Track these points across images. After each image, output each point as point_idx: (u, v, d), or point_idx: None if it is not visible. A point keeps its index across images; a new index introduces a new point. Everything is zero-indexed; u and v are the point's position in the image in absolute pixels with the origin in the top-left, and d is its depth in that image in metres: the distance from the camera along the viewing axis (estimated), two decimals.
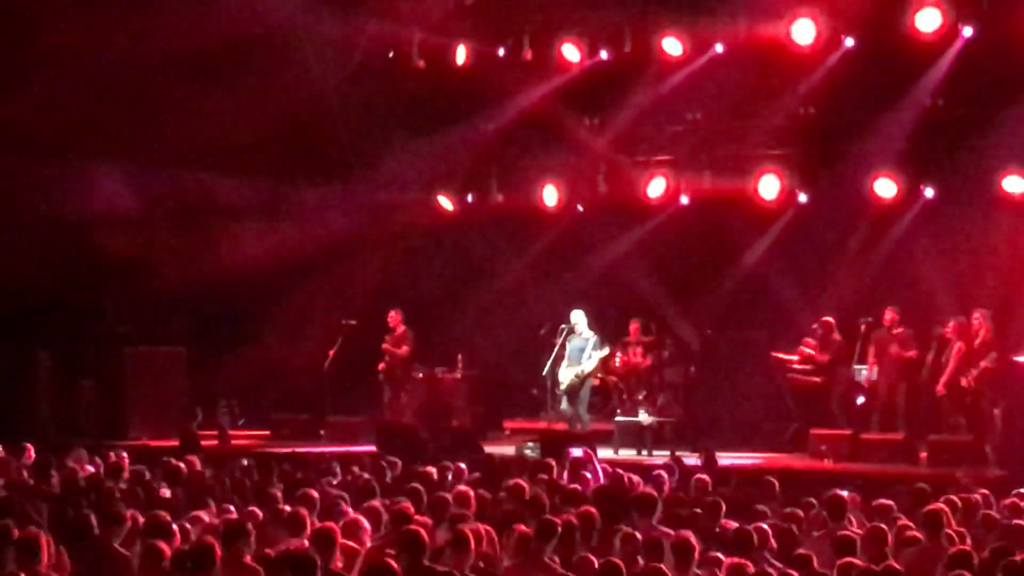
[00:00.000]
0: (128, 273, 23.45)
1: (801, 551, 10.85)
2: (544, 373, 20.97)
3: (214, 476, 15.47)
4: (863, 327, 20.39)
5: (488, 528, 11.40)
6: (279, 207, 23.93)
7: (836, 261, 21.81)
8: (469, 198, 24.05)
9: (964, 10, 19.68)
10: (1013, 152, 20.10)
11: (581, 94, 22.80)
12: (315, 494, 12.69)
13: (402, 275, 24.18)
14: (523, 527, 10.97)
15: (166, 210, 23.79)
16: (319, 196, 24.10)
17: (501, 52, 22.58)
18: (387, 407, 22.47)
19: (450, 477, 15.41)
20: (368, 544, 11.17)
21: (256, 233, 23.57)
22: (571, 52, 22.05)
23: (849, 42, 20.62)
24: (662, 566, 9.93)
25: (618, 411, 21.60)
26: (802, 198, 21.81)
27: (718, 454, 17.52)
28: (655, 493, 13.07)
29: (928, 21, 19.58)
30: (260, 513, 12.34)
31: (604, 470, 16.38)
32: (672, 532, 11.28)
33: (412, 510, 12.03)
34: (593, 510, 11.83)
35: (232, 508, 12.76)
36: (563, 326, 20.94)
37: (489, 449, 19.54)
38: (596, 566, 10.10)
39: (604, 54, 22.14)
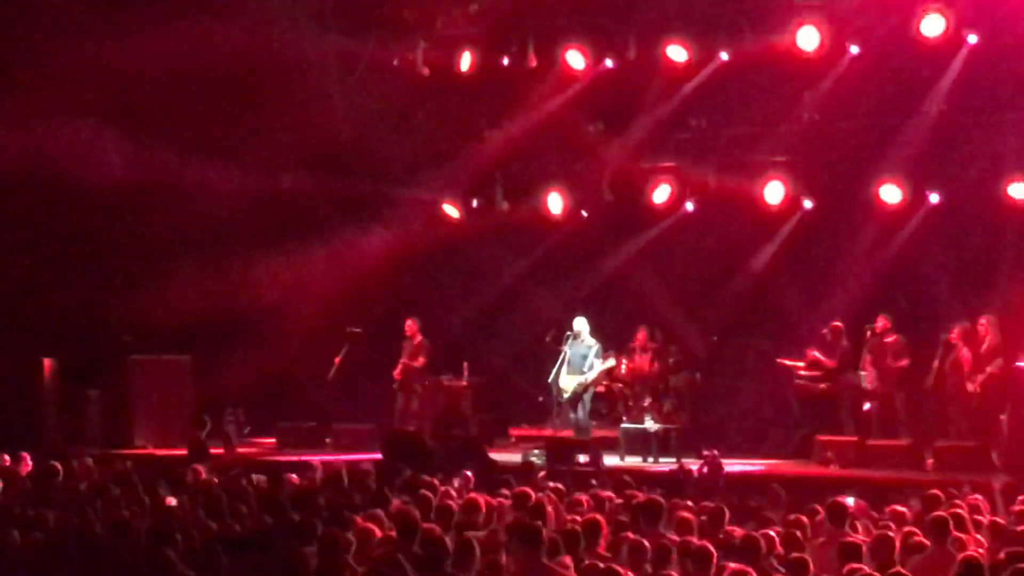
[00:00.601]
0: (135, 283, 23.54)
1: (796, 555, 10.81)
2: (550, 380, 20.95)
3: (220, 485, 15.45)
4: (868, 333, 20.39)
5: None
6: (284, 217, 23.97)
7: (841, 267, 21.78)
8: (475, 203, 24.02)
9: (968, 17, 19.67)
10: (1018, 158, 20.09)
11: (586, 101, 22.80)
12: None
13: (408, 283, 24.16)
14: (529, 534, 10.96)
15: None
16: (324, 204, 24.13)
17: (506, 61, 22.60)
18: (399, 414, 22.45)
19: (456, 484, 15.39)
20: None
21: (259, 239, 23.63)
22: (576, 59, 22.07)
23: (854, 49, 20.63)
24: (673, 573, 9.92)
25: (624, 418, 21.58)
26: (807, 204, 21.80)
27: (724, 461, 17.52)
28: (661, 500, 13.05)
29: (933, 27, 19.58)
30: None
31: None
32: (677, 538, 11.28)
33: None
34: (600, 517, 11.82)
35: None
36: (568, 333, 20.93)
37: (495, 456, 19.53)
38: (604, 573, 10.08)
39: (609, 62, 22.16)
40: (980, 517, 12.80)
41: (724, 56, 21.39)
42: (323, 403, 22.74)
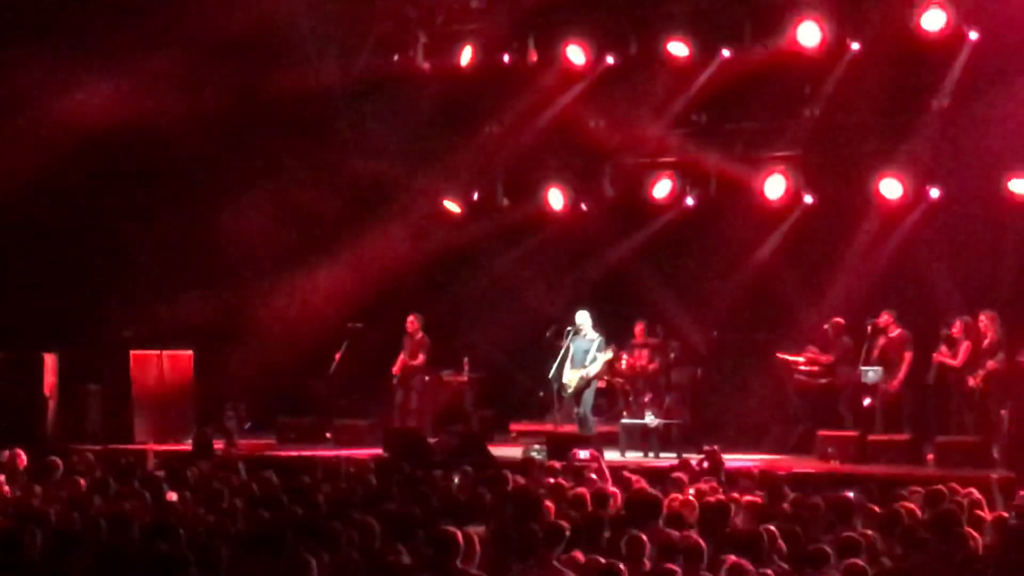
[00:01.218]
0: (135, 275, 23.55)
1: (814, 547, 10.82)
2: (550, 376, 20.94)
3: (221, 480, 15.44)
4: (869, 328, 20.38)
5: None
6: (285, 212, 23.96)
7: (842, 262, 21.77)
8: (475, 196, 24.00)
9: (969, 11, 19.66)
10: (1019, 154, 20.08)
11: (587, 96, 22.78)
12: None
13: (409, 279, 24.15)
14: (531, 530, 10.96)
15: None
16: (324, 200, 24.11)
17: (507, 58, 22.59)
18: (398, 410, 22.45)
19: (457, 480, 15.39)
20: None
21: (264, 238, 23.64)
22: (577, 55, 22.05)
23: (855, 46, 20.62)
24: (675, 567, 9.91)
25: (624, 413, 21.58)
26: (808, 199, 21.79)
27: (724, 456, 17.51)
28: (660, 496, 13.04)
29: (933, 21, 19.57)
30: None
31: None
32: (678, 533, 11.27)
33: None
34: (601, 513, 11.82)
35: None
36: (569, 328, 20.92)
37: (495, 452, 19.53)
38: (603, 568, 10.08)
39: (610, 59, 22.15)
40: (981, 512, 12.81)
41: (726, 53, 21.38)
42: (324, 399, 22.74)
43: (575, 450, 18.40)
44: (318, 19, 23.39)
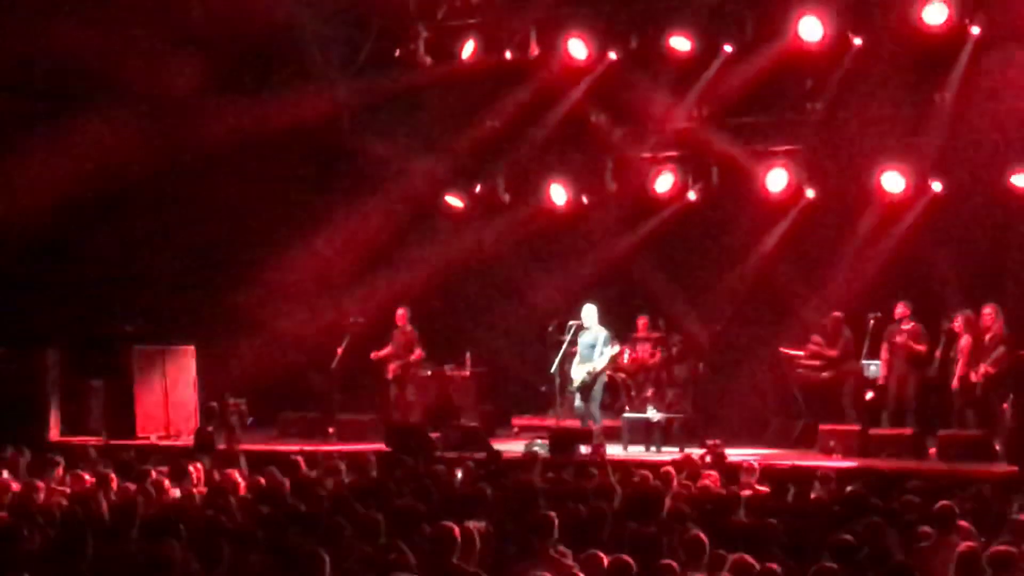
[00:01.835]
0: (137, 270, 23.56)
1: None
2: (552, 370, 20.93)
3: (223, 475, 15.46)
4: (872, 322, 20.39)
5: None
6: (287, 207, 23.97)
7: (844, 256, 21.77)
8: (477, 189, 23.98)
9: (971, 5, 19.65)
10: (1021, 148, 20.09)
11: (589, 90, 22.78)
12: None
13: (410, 273, 24.13)
14: (531, 523, 10.97)
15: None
16: (326, 195, 24.12)
17: (508, 55, 22.59)
18: (394, 405, 22.47)
19: (459, 475, 15.40)
20: None
21: (263, 231, 23.65)
22: (578, 49, 22.03)
23: (857, 40, 20.61)
24: (672, 563, 9.92)
25: (626, 408, 21.58)
26: (810, 193, 21.78)
27: (727, 450, 17.52)
28: (662, 489, 13.06)
29: (935, 15, 19.56)
30: None
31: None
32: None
33: None
34: (603, 506, 11.82)
35: None
36: (572, 322, 20.89)
37: (498, 446, 19.53)
38: (606, 563, 10.08)
39: (613, 55, 22.14)
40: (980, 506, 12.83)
41: (728, 48, 21.38)
42: (326, 393, 22.74)
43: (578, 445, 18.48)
44: (320, 14, 23.39)
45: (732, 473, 15.61)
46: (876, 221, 21.49)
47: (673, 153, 22.67)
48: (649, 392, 21.41)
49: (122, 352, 22.67)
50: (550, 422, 21.49)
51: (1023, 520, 11.93)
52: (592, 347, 20.64)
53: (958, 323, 19.33)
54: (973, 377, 19.11)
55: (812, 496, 13.77)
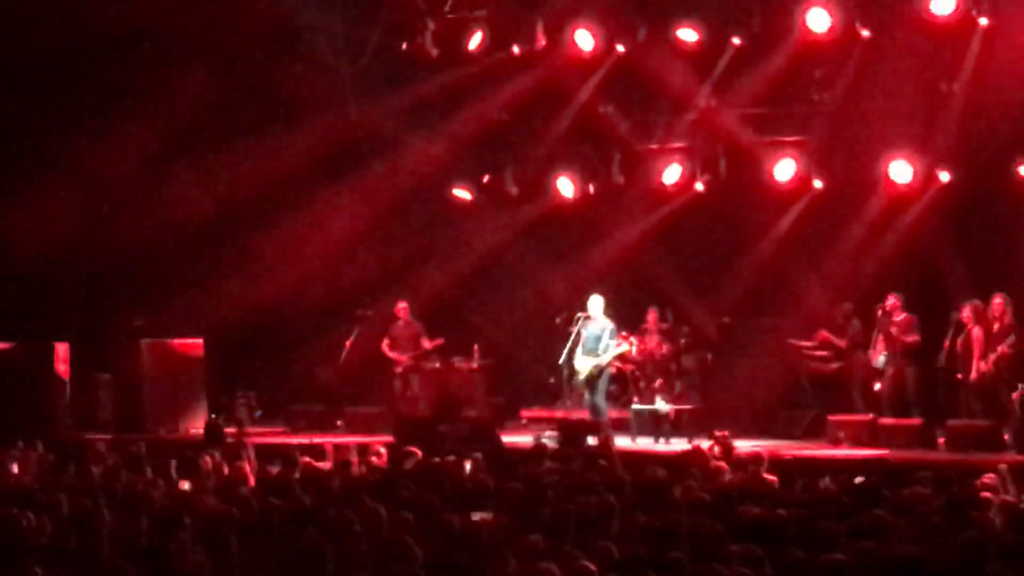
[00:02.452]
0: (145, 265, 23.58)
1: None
2: (561, 362, 20.94)
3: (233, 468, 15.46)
4: (879, 312, 20.38)
5: None
6: (296, 200, 23.98)
7: (852, 247, 21.74)
8: (485, 179, 23.97)
9: None
10: None
11: (596, 82, 22.76)
12: None
13: (418, 265, 24.15)
14: (540, 515, 10.96)
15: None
16: (335, 187, 24.12)
17: (516, 49, 22.58)
18: (399, 398, 22.48)
19: (468, 467, 15.39)
20: None
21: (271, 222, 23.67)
22: (585, 40, 22.00)
23: (865, 32, 20.58)
24: (681, 555, 9.90)
25: (635, 399, 21.58)
26: (818, 184, 21.75)
27: (735, 441, 17.50)
28: (672, 481, 13.04)
29: (943, 6, 19.55)
30: None
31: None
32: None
33: None
34: (611, 499, 11.81)
35: None
36: (579, 314, 20.89)
37: (506, 439, 19.53)
38: (615, 555, 10.07)
39: (620, 47, 22.12)
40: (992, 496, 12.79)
41: (736, 40, 21.35)
42: (334, 386, 22.76)
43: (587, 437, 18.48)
44: (327, 8, 23.40)
45: (741, 464, 15.59)
46: (884, 211, 21.47)
47: (681, 144, 22.67)
48: (658, 383, 21.40)
49: (131, 346, 22.71)
50: (559, 414, 21.49)
51: None
52: (598, 339, 20.60)
53: (966, 313, 19.31)
54: (983, 367, 19.09)
55: (821, 487, 13.75)
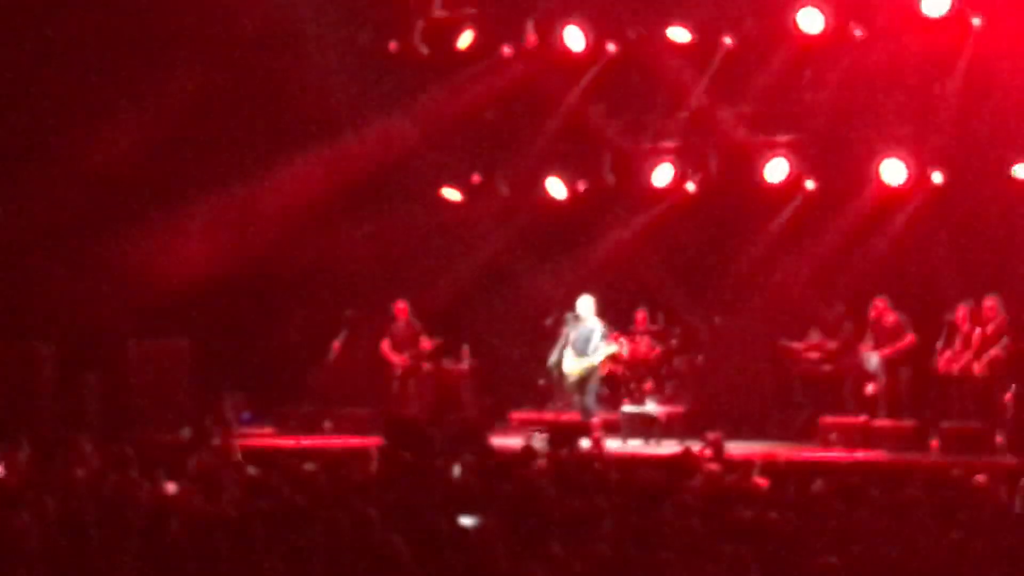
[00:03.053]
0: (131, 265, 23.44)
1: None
2: (550, 364, 20.87)
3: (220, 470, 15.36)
4: (872, 314, 20.33)
5: None
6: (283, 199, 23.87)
7: (844, 247, 21.71)
8: (475, 178, 23.89)
9: None
10: (1022, 140, 20.04)
11: (587, 81, 22.70)
12: None
13: (407, 265, 24.07)
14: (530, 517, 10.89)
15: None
16: (324, 188, 24.02)
17: (507, 50, 22.52)
18: (396, 399, 22.40)
19: (457, 469, 15.29)
20: None
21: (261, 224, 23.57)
22: (575, 40, 21.91)
23: (857, 32, 20.53)
24: (672, 557, 9.83)
25: (625, 400, 21.51)
26: (809, 184, 21.70)
27: (727, 443, 17.43)
28: (663, 483, 12.96)
29: (936, 6, 19.50)
30: None
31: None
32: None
33: None
34: (601, 501, 11.73)
35: None
36: (569, 315, 20.83)
37: (496, 440, 19.45)
38: (605, 557, 9.99)
39: (611, 46, 22.05)
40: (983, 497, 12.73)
41: (728, 40, 21.30)
42: (322, 387, 22.68)
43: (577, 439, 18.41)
44: (317, 6, 23.30)
45: (732, 466, 15.52)
46: (876, 212, 21.44)
47: (672, 145, 22.60)
48: (648, 385, 21.35)
49: (118, 347, 22.60)
50: (549, 415, 21.42)
51: None
52: (588, 340, 20.52)
53: (960, 314, 19.26)
54: (976, 369, 19.05)
55: (812, 489, 13.67)
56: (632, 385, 21.92)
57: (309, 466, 15.57)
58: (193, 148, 22.96)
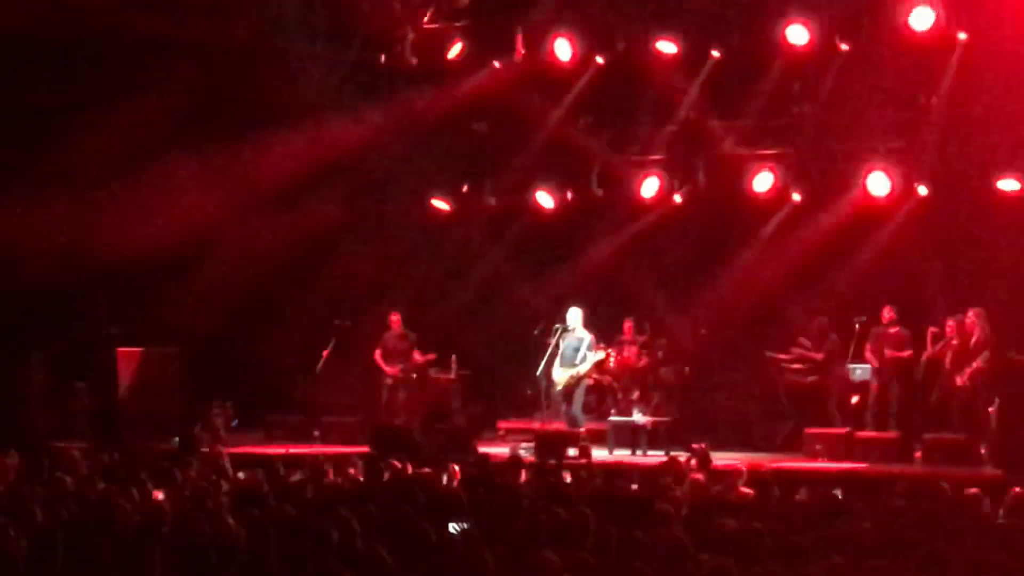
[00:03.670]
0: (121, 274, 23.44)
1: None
2: (538, 373, 20.94)
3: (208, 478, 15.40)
4: (858, 326, 20.41)
5: None
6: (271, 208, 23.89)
7: (830, 259, 21.78)
8: (464, 190, 23.94)
9: (958, 11, 19.68)
10: (1008, 153, 20.14)
11: (575, 93, 22.76)
12: None
13: (396, 275, 24.11)
14: (516, 526, 10.93)
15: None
16: (313, 197, 24.05)
17: (497, 64, 22.58)
18: (385, 408, 22.43)
19: (445, 478, 15.35)
20: None
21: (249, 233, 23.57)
22: (563, 50, 21.95)
23: (844, 46, 20.63)
24: (657, 567, 9.88)
25: (612, 411, 21.57)
26: (796, 196, 21.78)
27: (712, 453, 17.50)
28: (650, 493, 13.03)
29: (922, 21, 19.58)
30: None
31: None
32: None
33: None
34: (587, 511, 11.78)
35: None
36: (557, 325, 20.91)
37: (483, 450, 19.50)
38: (591, 566, 10.04)
39: (600, 59, 22.12)
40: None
41: (715, 54, 21.38)
42: (311, 396, 22.70)
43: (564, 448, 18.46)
44: (306, 18, 23.34)
45: (718, 476, 15.58)
46: (862, 224, 21.51)
47: (659, 156, 22.68)
48: (635, 395, 21.41)
49: (106, 355, 22.60)
50: (536, 425, 21.47)
51: None
52: (576, 350, 20.68)
53: (950, 328, 19.34)
54: (959, 381, 19.15)
55: (797, 500, 13.75)
56: (619, 395, 21.99)
57: (297, 475, 15.66)
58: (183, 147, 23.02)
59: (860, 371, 20.41)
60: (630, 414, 20.78)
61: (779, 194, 21.70)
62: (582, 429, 20.47)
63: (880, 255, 21.41)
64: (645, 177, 22.52)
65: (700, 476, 15.00)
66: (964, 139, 20.58)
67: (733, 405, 22.01)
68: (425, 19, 22.69)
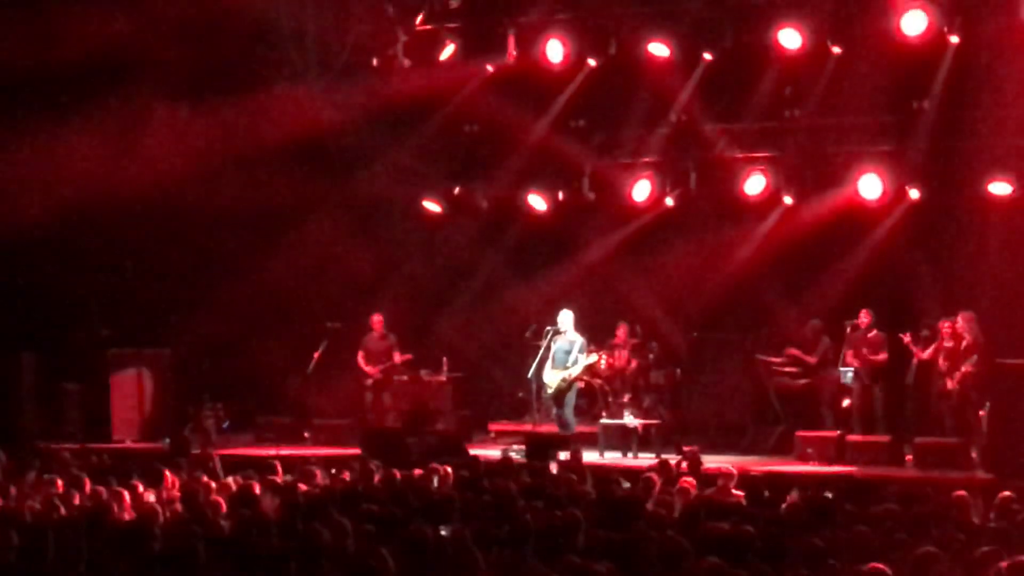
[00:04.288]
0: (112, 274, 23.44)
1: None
2: (529, 376, 20.94)
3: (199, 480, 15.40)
4: (848, 329, 20.42)
5: None
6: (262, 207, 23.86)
7: (822, 263, 21.78)
8: (456, 191, 23.93)
9: (950, 16, 19.70)
10: (999, 157, 20.16)
11: (567, 96, 22.76)
12: None
13: (387, 277, 24.09)
14: (507, 529, 10.92)
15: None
16: (305, 198, 24.02)
17: (490, 68, 22.59)
18: (370, 410, 22.43)
19: (435, 480, 15.35)
20: None
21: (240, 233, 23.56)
22: (555, 52, 21.95)
23: (836, 50, 20.65)
24: (647, 570, 9.87)
25: (603, 414, 21.57)
26: (788, 200, 21.79)
27: (703, 457, 17.51)
28: (642, 496, 13.02)
29: (914, 25, 19.61)
30: None
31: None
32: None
33: None
34: (578, 513, 11.77)
35: None
36: (549, 328, 20.91)
37: (474, 452, 19.50)
38: (581, 569, 10.03)
39: (592, 61, 22.12)
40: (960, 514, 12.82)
41: (707, 56, 21.39)
42: (302, 398, 22.69)
43: (555, 450, 18.44)
44: (298, 20, 23.33)
45: (709, 479, 15.59)
46: (854, 228, 21.52)
47: (651, 159, 22.67)
48: (626, 398, 21.40)
49: (98, 356, 22.59)
50: (527, 427, 21.47)
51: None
52: (567, 353, 20.69)
53: (945, 331, 19.36)
54: (949, 385, 19.18)
55: (787, 503, 13.75)
56: (610, 398, 21.99)
57: (287, 476, 15.66)
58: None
59: (851, 374, 20.42)
60: (621, 417, 20.78)
61: (771, 197, 21.70)
62: (573, 432, 20.46)
63: (871, 258, 21.41)
64: (637, 180, 22.51)
65: (691, 479, 14.99)
66: (955, 142, 20.59)
67: (724, 408, 22.02)
68: (417, 21, 22.67)
